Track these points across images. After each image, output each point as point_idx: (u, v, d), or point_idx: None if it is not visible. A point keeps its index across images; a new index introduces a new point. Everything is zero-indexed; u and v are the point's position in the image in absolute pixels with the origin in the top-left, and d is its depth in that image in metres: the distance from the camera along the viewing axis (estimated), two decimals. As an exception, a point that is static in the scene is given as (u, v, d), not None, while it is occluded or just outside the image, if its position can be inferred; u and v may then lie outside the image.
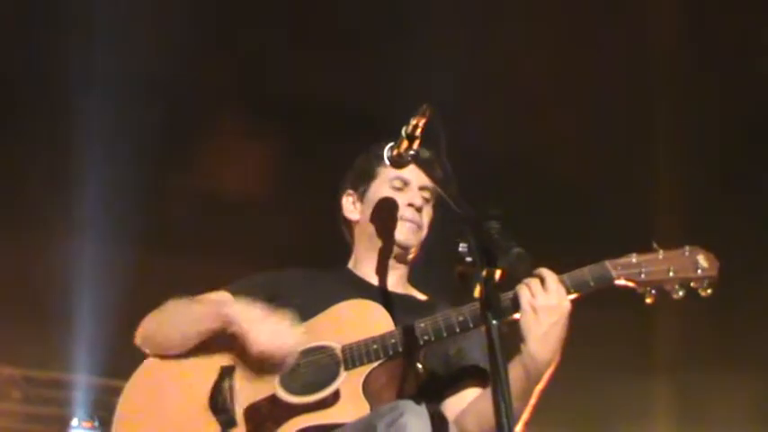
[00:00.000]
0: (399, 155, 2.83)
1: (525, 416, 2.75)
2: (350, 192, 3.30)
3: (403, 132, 2.79)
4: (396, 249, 3.16)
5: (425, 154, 2.77)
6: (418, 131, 2.74)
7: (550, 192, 7.22)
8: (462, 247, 2.20)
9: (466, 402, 2.87)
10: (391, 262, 3.18)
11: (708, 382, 8.70)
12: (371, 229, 3.20)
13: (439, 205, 3.20)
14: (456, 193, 2.48)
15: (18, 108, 6.58)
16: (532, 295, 2.63)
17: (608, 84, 6.55)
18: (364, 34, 6.20)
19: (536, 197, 7.06)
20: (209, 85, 6.62)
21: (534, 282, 2.66)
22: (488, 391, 2.81)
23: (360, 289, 3.11)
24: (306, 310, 2.95)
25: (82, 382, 8.85)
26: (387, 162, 2.90)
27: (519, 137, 6.97)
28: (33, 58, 6.29)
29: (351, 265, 3.29)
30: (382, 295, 3.09)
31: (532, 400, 2.73)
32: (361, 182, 3.27)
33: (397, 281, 3.21)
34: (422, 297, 3.25)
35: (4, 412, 9.23)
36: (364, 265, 3.22)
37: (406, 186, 3.18)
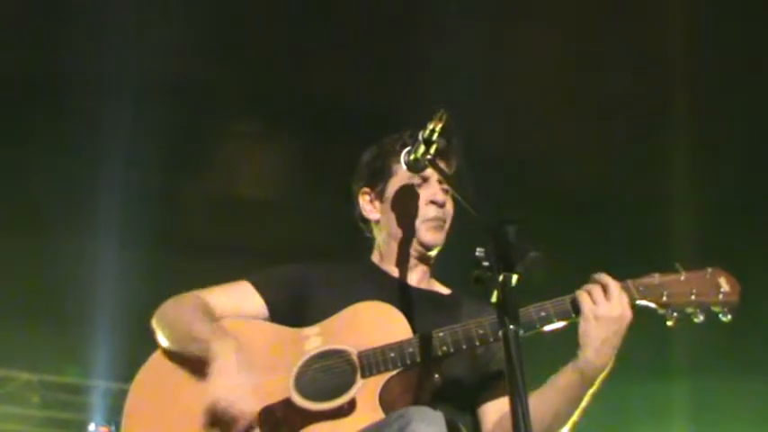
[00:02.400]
0: (417, 159, 2.82)
1: (575, 418, 2.74)
2: (366, 190, 3.23)
3: (420, 137, 2.78)
4: (420, 249, 3.12)
5: (442, 143, 2.75)
6: (435, 136, 2.73)
7: (563, 200, 7.20)
8: (479, 251, 2.19)
9: (504, 409, 2.80)
10: (414, 261, 3.14)
11: (723, 386, 8.66)
12: (394, 229, 3.14)
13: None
14: (473, 198, 2.46)
15: (35, 112, 6.61)
16: (594, 303, 2.65)
17: (625, 91, 6.51)
18: (377, 36, 6.19)
19: (548, 206, 7.04)
20: (223, 87, 6.62)
21: (596, 289, 2.67)
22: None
23: (384, 284, 3.07)
24: (332, 305, 2.91)
25: (99, 387, 8.89)
26: (404, 167, 2.91)
27: (532, 144, 6.95)
28: (50, 61, 6.31)
29: (375, 258, 3.24)
30: (405, 292, 3.05)
31: (584, 404, 2.72)
32: (378, 180, 3.20)
33: (420, 276, 3.16)
34: (445, 291, 3.20)
35: (22, 417, 9.28)
36: (388, 261, 3.16)
37: (425, 182, 3.12)
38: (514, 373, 2.06)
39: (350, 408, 2.65)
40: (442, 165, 2.86)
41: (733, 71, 6.37)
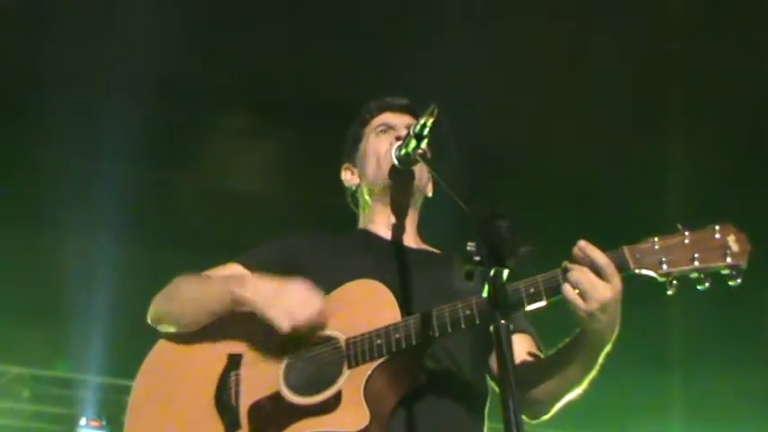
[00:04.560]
0: (408, 154, 2.83)
1: (593, 374, 2.69)
2: (346, 165, 3.28)
3: (411, 131, 2.79)
4: (395, 191, 3.10)
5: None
6: (426, 131, 2.74)
7: (557, 187, 7.21)
8: (470, 245, 2.16)
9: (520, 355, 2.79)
10: (397, 214, 3.13)
11: (718, 378, 8.69)
12: (368, 183, 3.17)
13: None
14: (465, 192, 2.44)
15: (29, 108, 6.59)
16: (593, 287, 2.46)
17: (619, 74, 6.51)
18: (369, 30, 6.19)
19: (542, 193, 7.04)
20: (217, 81, 6.62)
21: (588, 273, 2.48)
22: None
23: (375, 248, 3.06)
24: (324, 278, 2.87)
25: (90, 382, 8.88)
26: (395, 162, 2.93)
27: (524, 131, 6.95)
28: (43, 57, 6.29)
29: (362, 225, 3.24)
30: (398, 252, 3.03)
31: (600, 360, 2.65)
32: (352, 149, 3.26)
33: (410, 235, 3.15)
34: (436, 251, 3.19)
35: (12, 411, 9.27)
36: (375, 223, 3.17)
37: (391, 129, 3.14)
38: (505, 367, 2.05)
39: (335, 403, 2.62)
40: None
41: (726, 63, 6.37)
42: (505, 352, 2.05)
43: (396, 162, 2.92)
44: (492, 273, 2.12)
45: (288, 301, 2.72)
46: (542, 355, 2.87)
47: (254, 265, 3.02)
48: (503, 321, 2.09)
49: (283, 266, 3.00)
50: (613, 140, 6.96)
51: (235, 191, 7.52)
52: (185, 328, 2.93)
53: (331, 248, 3.08)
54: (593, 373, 2.68)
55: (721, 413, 9.23)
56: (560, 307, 2.55)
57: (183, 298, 2.96)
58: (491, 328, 2.10)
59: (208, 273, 3.06)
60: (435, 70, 5.89)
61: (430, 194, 3.21)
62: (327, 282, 2.86)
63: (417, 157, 2.80)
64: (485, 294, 2.13)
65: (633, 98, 6.73)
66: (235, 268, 3.05)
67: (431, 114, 2.69)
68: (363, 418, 2.58)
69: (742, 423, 9.38)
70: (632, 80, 6.60)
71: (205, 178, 7.47)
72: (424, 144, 2.77)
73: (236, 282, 2.87)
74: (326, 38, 6.25)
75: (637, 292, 2.56)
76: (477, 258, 2.15)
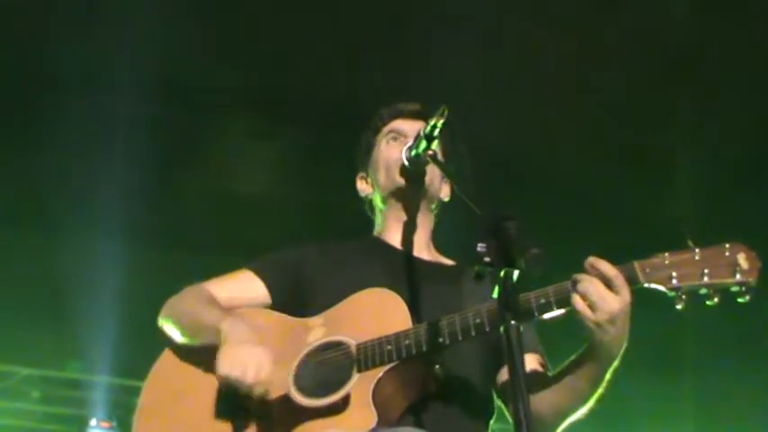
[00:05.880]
0: (418, 155, 2.83)
1: (601, 391, 2.67)
2: (361, 174, 3.29)
3: (421, 133, 2.79)
4: (406, 195, 3.10)
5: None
6: (436, 132, 2.74)
7: (563, 190, 7.19)
8: (481, 247, 2.16)
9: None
10: (411, 224, 3.12)
11: (731, 383, 8.64)
12: (381, 190, 3.17)
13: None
14: (474, 193, 2.45)
15: (35, 110, 6.61)
16: (602, 298, 2.47)
17: (625, 76, 6.49)
18: (375, 32, 6.20)
19: (549, 196, 7.04)
20: (224, 82, 6.63)
21: (597, 283, 2.49)
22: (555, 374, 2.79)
23: (387, 258, 3.06)
24: (335, 286, 2.90)
25: (100, 383, 8.88)
26: (405, 163, 2.92)
27: (530, 133, 6.94)
28: (48, 60, 6.31)
29: (376, 233, 3.25)
30: (409, 264, 3.03)
31: (608, 377, 2.64)
32: (365, 158, 3.26)
33: (423, 246, 3.14)
34: (449, 262, 3.19)
35: (22, 412, 9.27)
36: (388, 232, 3.17)
37: (401, 136, 3.13)
38: (515, 368, 2.05)
39: (343, 405, 2.63)
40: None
41: (735, 65, 6.36)
42: (515, 353, 2.05)
43: (406, 163, 2.93)
44: (502, 274, 2.12)
45: (233, 355, 2.68)
46: (550, 374, 2.86)
47: (265, 275, 3.05)
48: (513, 322, 2.08)
49: (293, 277, 3.05)
50: (620, 144, 6.95)
51: (242, 192, 7.53)
52: (183, 341, 2.94)
53: (340, 259, 3.09)
54: (601, 389, 2.67)
55: (734, 419, 9.18)
56: (567, 323, 2.56)
57: (185, 316, 2.97)
58: (501, 329, 2.10)
59: (220, 279, 3.08)
60: (444, 72, 5.89)
61: (446, 199, 3.20)
62: (336, 292, 2.89)
63: (427, 158, 2.80)
64: (495, 295, 2.13)
65: (641, 101, 6.71)
66: (246, 274, 3.08)
67: (441, 115, 2.69)
68: (371, 420, 2.58)
69: (755, 428, 9.33)
70: (639, 83, 6.58)
71: (212, 180, 7.48)
72: (434, 145, 2.77)
73: (227, 316, 2.85)
74: (334, 39, 6.25)
75: (648, 296, 2.55)
76: (487, 259, 2.15)
